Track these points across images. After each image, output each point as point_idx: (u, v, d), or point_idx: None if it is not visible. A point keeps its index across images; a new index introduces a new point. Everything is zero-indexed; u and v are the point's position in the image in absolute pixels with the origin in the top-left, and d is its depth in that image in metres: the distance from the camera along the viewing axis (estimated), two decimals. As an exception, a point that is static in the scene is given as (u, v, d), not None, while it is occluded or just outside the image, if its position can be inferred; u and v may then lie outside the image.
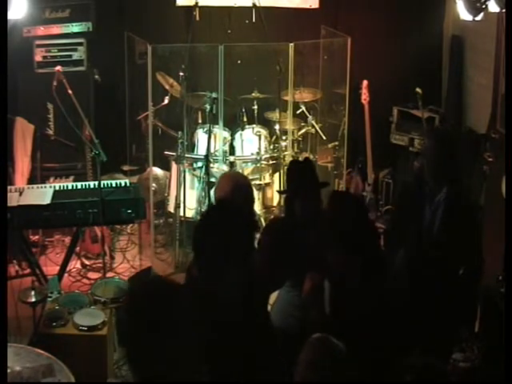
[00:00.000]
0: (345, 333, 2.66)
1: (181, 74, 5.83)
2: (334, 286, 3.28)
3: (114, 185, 5.07)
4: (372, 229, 3.35)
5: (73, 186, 5.07)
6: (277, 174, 6.11)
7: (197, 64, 6.31)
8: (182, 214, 5.90)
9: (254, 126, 6.19)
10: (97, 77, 5.85)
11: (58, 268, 5.16)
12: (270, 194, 6.13)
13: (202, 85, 6.14)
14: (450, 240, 3.82)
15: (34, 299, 4.12)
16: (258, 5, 6.24)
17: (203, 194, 5.71)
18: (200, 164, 5.78)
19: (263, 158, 6.01)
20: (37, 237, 5.84)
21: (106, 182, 5.06)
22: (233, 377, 2.72)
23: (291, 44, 5.82)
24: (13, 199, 4.69)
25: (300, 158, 5.82)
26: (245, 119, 6.29)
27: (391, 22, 6.88)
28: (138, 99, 6.02)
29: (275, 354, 2.93)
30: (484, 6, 4.66)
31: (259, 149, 6.04)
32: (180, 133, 5.85)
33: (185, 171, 5.89)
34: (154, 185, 6.10)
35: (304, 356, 2.44)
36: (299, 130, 6.30)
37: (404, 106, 6.76)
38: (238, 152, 6.12)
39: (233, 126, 6.28)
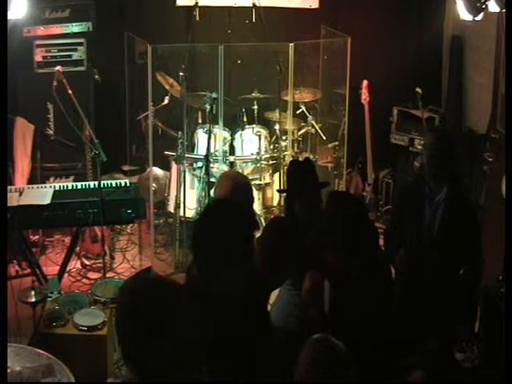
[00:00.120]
0: (344, 332, 2.66)
1: (181, 73, 5.82)
2: (334, 286, 3.28)
3: (113, 185, 5.07)
4: (371, 228, 3.34)
5: (73, 186, 5.07)
6: (277, 174, 6.11)
7: (197, 64, 6.31)
8: (181, 213, 5.90)
9: (254, 125, 6.19)
10: (97, 77, 5.85)
11: (58, 268, 5.16)
12: (269, 194, 6.13)
13: (202, 85, 6.14)
14: (450, 240, 3.82)
15: (34, 299, 4.12)
16: (258, 5, 6.24)
17: (203, 193, 5.71)
18: (200, 164, 5.78)
19: (263, 158, 6.00)
20: (37, 237, 5.84)
21: (106, 182, 5.06)
22: (232, 376, 2.72)
23: (291, 44, 5.82)
24: (13, 199, 4.69)
25: (300, 158, 5.82)
26: (245, 119, 6.30)
27: (391, 21, 6.88)
28: (138, 99, 6.02)
29: (275, 353, 2.93)
30: (484, 6, 4.67)
31: (259, 149, 6.04)
32: (180, 133, 5.85)
33: (185, 171, 5.89)
34: (154, 185, 6.10)
35: (304, 356, 2.44)
36: (299, 129, 6.30)
37: (404, 106, 6.76)
38: (237, 152, 6.13)
39: (233, 125, 6.28)
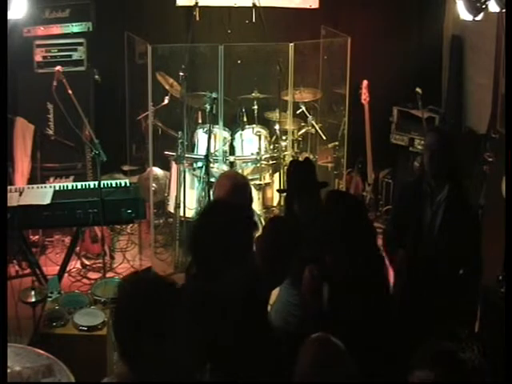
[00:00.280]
0: (344, 332, 2.66)
1: (181, 73, 5.83)
2: (333, 286, 3.27)
3: (114, 185, 5.07)
4: (370, 228, 3.34)
5: (73, 186, 5.07)
6: (277, 174, 6.11)
7: (197, 64, 6.31)
8: (181, 213, 5.89)
9: (254, 125, 6.19)
10: (97, 77, 5.85)
11: (58, 268, 5.17)
12: (269, 194, 6.13)
13: (202, 85, 6.14)
14: (450, 240, 3.82)
15: (34, 299, 4.13)
16: (258, 5, 6.25)
17: (203, 194, 5.71)
18: (200, 164, 5.78)
19: (263, 158, 6.00)
20: (37, 237, 5.84)
21: (106, 181, 5.07)
22: (232, 376, 2.72)
23: (291, 44, 5.82)
24: (13, 199, 4.69)
25: (300, 158, 5.82)
26: (245, 119, 6.29)
27: (391, 21, 6.87)
28: (138, 99, 6.02)
29: (275, 353, 2.93)
30: (484, 6, 4.67)
31: (259, 149, 6.04)
32: (180, 133, 5.84)
33: (185, 171, 5.89)
34: (154, 185, 6.11)
35: (304, 355, 2.44)
36: (299, 129, 6.30)
37: (404, 106, 6.77)
38: (237, 152, 6.13)
39: (233, 125, 6.28)
